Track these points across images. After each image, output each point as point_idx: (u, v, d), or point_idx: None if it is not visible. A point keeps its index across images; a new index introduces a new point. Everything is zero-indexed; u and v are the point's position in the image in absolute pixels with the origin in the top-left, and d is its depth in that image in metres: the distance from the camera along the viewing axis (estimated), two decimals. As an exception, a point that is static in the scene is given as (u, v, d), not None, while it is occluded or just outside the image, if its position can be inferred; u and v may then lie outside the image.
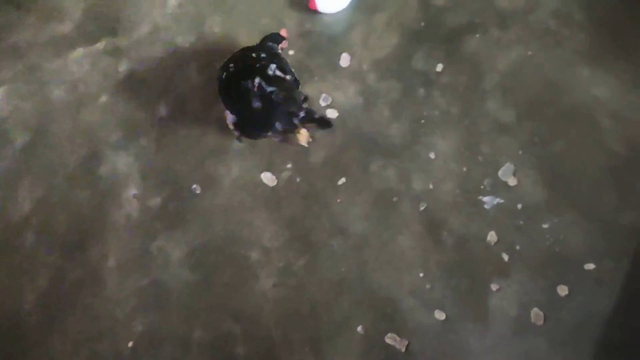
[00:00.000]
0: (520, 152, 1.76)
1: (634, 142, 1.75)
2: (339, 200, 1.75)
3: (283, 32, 1.82)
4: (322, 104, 1.90)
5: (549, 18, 1.96)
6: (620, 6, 1.95)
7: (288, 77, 1.65)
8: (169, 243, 1.77)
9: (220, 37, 2.05)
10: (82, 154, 1.90)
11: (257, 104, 1.56)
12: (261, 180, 1.82)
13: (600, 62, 1.87)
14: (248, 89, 1.55)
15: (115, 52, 2.05)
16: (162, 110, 1.94)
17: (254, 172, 1.83)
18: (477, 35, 1.95)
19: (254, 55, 1.66)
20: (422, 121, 1.83)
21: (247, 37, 2.00)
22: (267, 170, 1.83)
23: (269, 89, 1.55)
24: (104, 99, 1.97)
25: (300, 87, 1.74)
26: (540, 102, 1.83)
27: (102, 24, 2.10)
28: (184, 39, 2.05)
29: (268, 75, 1.58)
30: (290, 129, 1.60)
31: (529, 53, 1.91)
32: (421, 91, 1.88)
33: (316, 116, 1.61)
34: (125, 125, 1.93)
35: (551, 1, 1.99)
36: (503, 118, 1.81)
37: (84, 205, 1.85)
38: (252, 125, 1.66)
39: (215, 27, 2.07)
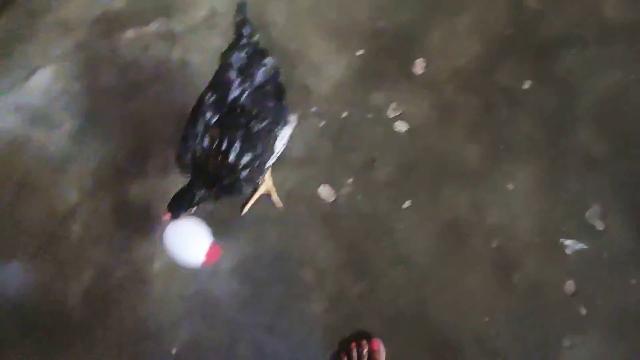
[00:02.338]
0: (611, 193, 1.57)
1: None
2: (402, 226, 1.62)
3: None
4: (391, 114, 1.73)
5: (661, 36, 1.71)
6: None
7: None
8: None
9: (281, 28, 1.87)
10: (133, 146, 1.79)
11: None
12: (319, 194, 1.69)
13: None
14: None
15: (168, 37, 1.89)
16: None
17: (311, 184, 1.70)
18: (574, 50, 1.72)
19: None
20: (502, 146, 1.65)
21: (315, 30, 1.82)
22: (326, 183, 1.69)
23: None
24: (155, 88, 1.84)
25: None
26: (640, 137, 1.62)
27: (155, 3, 1.94)
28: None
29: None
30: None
31: (632, 76, 1.68)
32: (504, 111, 1.69)
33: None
34: (177, 119, 1.80)
35: (666, 16, 1.73)
36: (595, 151, 1.62)
37: (131, 201, 1.76)
38: None
39: (278, 16, 1.89)
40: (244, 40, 1.35)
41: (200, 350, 1.63)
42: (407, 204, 1.64)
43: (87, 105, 1.87)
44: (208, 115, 1.29)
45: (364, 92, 1.76)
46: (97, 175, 1.79)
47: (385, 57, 1.78)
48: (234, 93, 1.29)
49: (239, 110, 1.29)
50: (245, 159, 1.29)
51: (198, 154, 1.30)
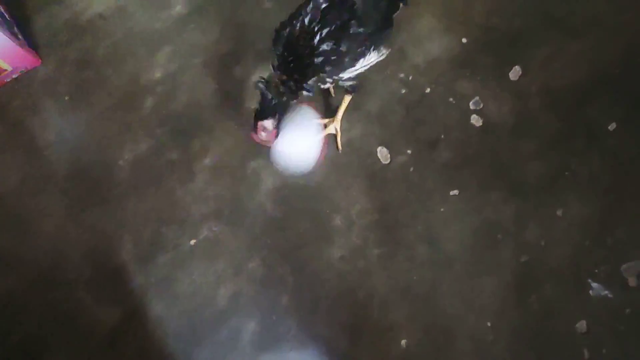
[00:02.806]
0: (657, 256, 1.55)
1: None
2: (442, 210, 1.65)
3: None
4: (471, 107, 1.75)
5: None
6: None
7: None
8: (266, 169, 1.75)
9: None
10: (227, 49, 1.89)
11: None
12: (376, 152, 1.73)
13: None
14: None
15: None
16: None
17: (372, 141, 1.75)
18: (675, 112, 1.69)
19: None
20: (567, 173, 1.65)
21: (431, 5, 1.85)
22: (385, 145, 1.74)
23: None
24: (269, 4, 1.92)
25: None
26: None
27: None
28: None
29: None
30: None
31: None
32: (581, 142, 1.67)
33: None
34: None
35: None
36: (657, 212, 1.59)
37: (206, 96, 1.86)
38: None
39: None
40: None
41: (215, 251, 1.71)
42: (454, 191, 1.66)
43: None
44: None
45: (454, 77, 1.78)
46: (185, 62, 1.89)
47: (486, 52, 1.79)
48: None
49: (348, 5, 1.36)
50: (325, 46, 1.35)
51: (295, 31, 1.37)
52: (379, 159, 1.73)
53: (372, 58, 1.48)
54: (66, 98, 1.91)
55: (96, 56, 1.93)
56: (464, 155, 1.70)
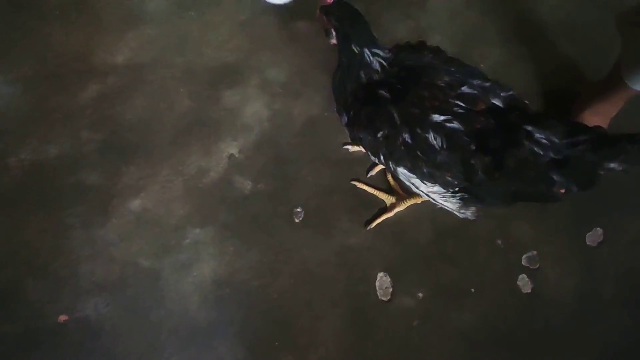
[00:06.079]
0: None
1: None
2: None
3: None
4: (524, 262, 1.23)
5: None
6: None
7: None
8: (210, 246, 1.18)
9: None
10: (235, 58, 1.34)
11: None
12: (374, 279, 1.18)
13: None
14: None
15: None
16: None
17: (374, 261, 1.19)
18: None
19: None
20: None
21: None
22: (390, 274, 1.18)
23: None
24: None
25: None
26: None
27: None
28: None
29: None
30: None
31: None
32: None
33: None
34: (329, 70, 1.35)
35: None
36: None
37: (172, 116, 1.29)
38: None
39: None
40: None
41: (89, 345, 1.13)
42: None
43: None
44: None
45: (515, 212, 1.26)
46: (164, 57, 1.34)
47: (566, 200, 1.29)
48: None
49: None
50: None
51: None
52: (375, 291, 1.17)
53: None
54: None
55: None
56: (495, 328, 1.16)
